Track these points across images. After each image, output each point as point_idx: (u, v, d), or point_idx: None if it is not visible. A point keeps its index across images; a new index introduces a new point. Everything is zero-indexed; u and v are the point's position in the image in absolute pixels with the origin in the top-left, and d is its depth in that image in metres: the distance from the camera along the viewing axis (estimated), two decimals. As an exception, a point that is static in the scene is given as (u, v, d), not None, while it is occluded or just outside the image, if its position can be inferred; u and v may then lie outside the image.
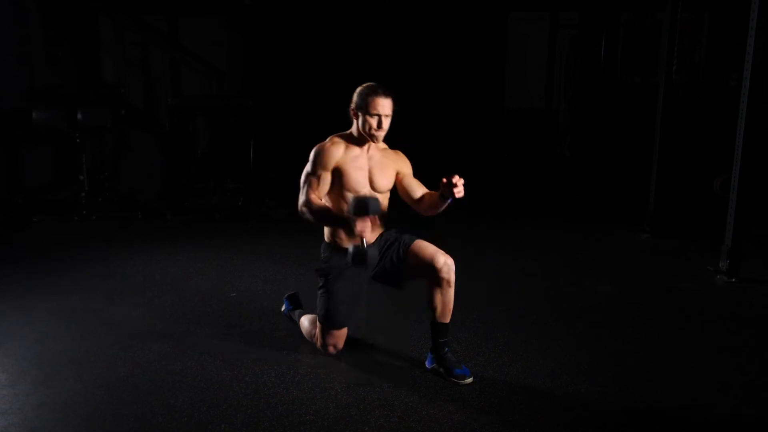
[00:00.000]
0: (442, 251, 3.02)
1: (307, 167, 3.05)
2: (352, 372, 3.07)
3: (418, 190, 3.16)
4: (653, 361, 3.23)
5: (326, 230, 3.18)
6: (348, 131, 3.12)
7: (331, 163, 3.01)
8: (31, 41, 6.84)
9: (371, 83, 3.04)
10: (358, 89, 3.06)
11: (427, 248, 3.03)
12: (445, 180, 2.84)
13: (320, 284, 3.18)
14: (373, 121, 2.99)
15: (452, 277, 2.98)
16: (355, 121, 3.07)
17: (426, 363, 3.10)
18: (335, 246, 3.14)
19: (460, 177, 2.82)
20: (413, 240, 3.09)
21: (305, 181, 3.04)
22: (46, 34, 6.98)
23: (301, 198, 3.03)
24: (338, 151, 3.02)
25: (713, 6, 7.57)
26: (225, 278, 4.45)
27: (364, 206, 2.82)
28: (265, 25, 9.05)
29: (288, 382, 2.96)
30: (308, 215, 3.00)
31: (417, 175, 3.22)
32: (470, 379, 2.96)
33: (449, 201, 2.92)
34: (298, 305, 3.60)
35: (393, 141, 3.18)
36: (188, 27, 8.63)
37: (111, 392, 2.87)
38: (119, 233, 5.69)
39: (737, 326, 3.73)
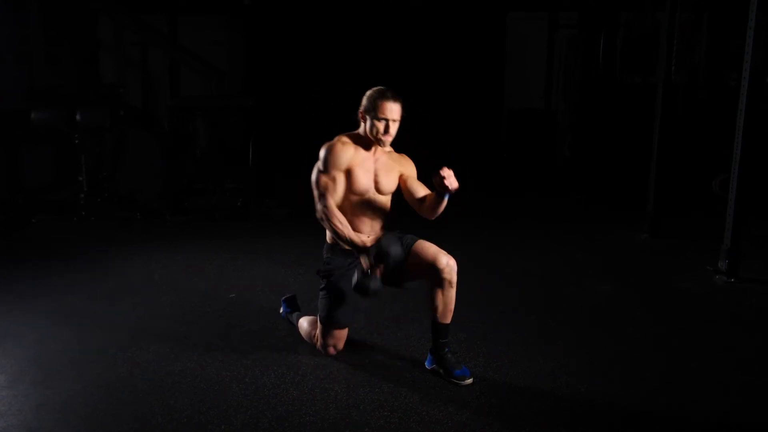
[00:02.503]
0: (444, 252, 3.02)
1: (319, 166, 3.03)
2: (352, 373, 3.06)
3: (422, 192, 3.15)
4: (653, 362, 3.23)
5: (328, 231, 3.17)
6: (355, 132, 3.12)
7: (344, 163, 3.00)
8: (31, 41, 6.83)
9: (381, 87, 3.05)
10: (368, 92, 3.05)
11: (429, 248, 3.04)
12: (435, 177, 2.86)
13: (322, 285, 3.18)
14: (381, 126, 2.99)
15: (454, 278, 2.98)
16: (362, 124, 3.07)
17: (426, 363, 3.10)
18: (337, 248, 3.14)
19: (447, 168, 2.84)
20: (415, 240, 3.09)
21: (320, 183, 3.01)
22: (45, 34, 6.97)
23: (320, 202, 3.01)
24: (349, 152, 3.02)
25: (713, 6, 7.56)
26: (225, 278, 4.44)
27: (385, 254, 2.91)
28: (265, 25, 9.04)
29: (288, 383, 2.96)
30: (326, 222, 3.01)
31: (419, 175, 3.22)
32: (470, 380, 2.96)
33: (446, 197, 2.94)
34: (296, 308, 3.59)
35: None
36: (188, 27, 8.61)
37: (110, 393, 2.87)
38: (119, 233, 5.69)
39: (737, 326, 3.73)
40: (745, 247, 4.46)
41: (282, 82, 8.90)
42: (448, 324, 3.04)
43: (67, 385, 2.93)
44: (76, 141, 6.13)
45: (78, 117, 6.04)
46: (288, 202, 6.90)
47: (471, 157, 8.94)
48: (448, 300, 3.00)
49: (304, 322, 3.39)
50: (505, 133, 9.67)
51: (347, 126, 3.16)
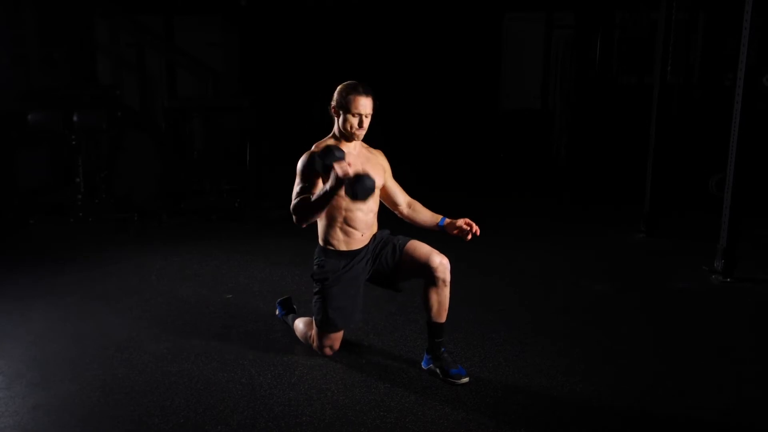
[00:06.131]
0: (437, 251, 3.03)
1: (297, 180, 2.99)
2: (349, 373, 3.07)
3: (398, 192, 3.26)
4: (648, 361, 3.24)
5: (320, 234, 3.16)
6: (330, 134, 3.11)
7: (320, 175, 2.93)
8: (27, 43, 6.83)
9: (351, 81, 3.05)
10: (339, 87, 3.05)
11: (421, 248, 3.04)
12: (466, 227, 3.07)
13: (316, 289, 3.17)
14: (354, 121, 2.99)
15: (448, 277, 2.99)
16: (336, 120, 3.06)
17: (422, 363, 3.10)
18: (329, 251, 3.13)
19: (477, 230, 3.09)
20: (407, 240, 3.10)
21: (297, 194, 2.97)
22: (42, 36, 6.97)
23: (293, 204, 2.98)
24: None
25: (708, 6, 7.58)
26: (221, 279, 4.44)
27: (360, 188, 2.72)
28: (261, 26, 9.05)
29: (284, 384, 2.96)
30: (300, 211, 2.93)
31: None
32: (466, 379, 2.96)
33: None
34: (291, 310, 3.59)
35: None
36: (184, 28, 8.62)
37: (107, 394, 2.87)
38: (115, 235, 5.69)
39: (732, 326, 3.74)
40: (743, 246, 4.47)
41: (278, 82, 8.92)
42: (443, 323, 3.04)
43: (64, 386, 2.93)
44: (73, 142, 6.13)
45: (75, 118, 6.04)
46: (284, 203, 6.89)
47: (467, 157, 8.96)
48: (442, 299, 3.01)
49: (299, 324, 3.39)
50: (502, 134, 9.69)
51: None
